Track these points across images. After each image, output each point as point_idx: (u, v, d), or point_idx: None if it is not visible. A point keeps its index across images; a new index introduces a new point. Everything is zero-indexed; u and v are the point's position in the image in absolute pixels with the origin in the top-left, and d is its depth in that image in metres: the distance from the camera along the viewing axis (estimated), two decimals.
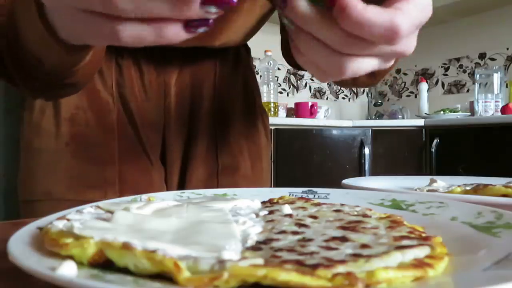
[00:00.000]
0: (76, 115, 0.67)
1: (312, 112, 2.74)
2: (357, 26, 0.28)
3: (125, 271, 0.22)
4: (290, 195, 0.47)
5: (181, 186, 0.72)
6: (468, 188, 0.56)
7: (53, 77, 0.48)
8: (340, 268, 0.21)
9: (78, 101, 0.67)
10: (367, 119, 3.55)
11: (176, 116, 0.71)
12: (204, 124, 0.73)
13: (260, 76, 2.77)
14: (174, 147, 0.72)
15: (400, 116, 3.22)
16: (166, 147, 0.72)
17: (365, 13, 0.28)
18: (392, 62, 0.36)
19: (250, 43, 0.81)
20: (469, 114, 2.78)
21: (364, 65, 0.32)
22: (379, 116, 3.48)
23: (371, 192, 0.47)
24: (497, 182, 0.59)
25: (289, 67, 3.26)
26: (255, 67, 2.79)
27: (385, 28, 0.28)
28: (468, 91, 3.11)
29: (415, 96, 3.40)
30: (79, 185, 0.65)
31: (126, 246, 0.22)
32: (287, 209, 0.36)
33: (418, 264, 0.23)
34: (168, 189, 0.72)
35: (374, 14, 0.28)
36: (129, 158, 0.68)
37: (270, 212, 0.36)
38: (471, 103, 2.81)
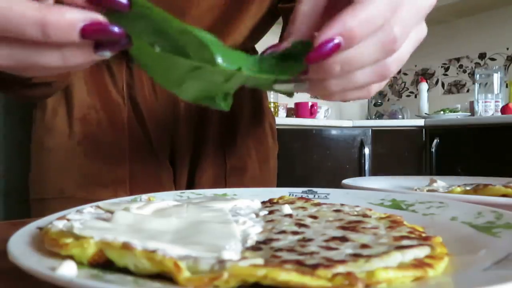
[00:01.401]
0: (88, 115, 0.68)
1: (312, 112, 2.74)
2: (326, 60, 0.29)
3: (125, 271, 0.22)
4: (290, 195, 0.47)
5: (190, 186, 0.73)
6: (468, 188, 0.56)
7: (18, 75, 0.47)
8: (340, 268, 0.21)
9: (90, 101, 0.68)
10: (367, 119, 3.55)
11: (185, 118, 0.72)
12: (212, 126, 0.74)
13: None
14: (183, 148, 0.72)
15: (400, 116, 3.22)
16: (175, 148, 0.72)
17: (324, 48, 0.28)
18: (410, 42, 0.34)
19: None
20: (469, 114, 2.78)
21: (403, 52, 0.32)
22: (379, 116, 3.48)
23: (371, 192, 0.47)
24: (497, 182, 0.59)
25: None
26: None
27: (334, 35, 0.28)
28: (468, 91, 3.11)
29: (415, 96, 3.40)
30: (91, 184, 0.66)
31: (126, 246, 0.22)
32: (287, 209, 0.36)
33: (418, 264, 0.23)
34: (177, 189, 0.72)
35: (326, 31, 0.28)
36: (139, 158, 0.69)
37: (270, 212, 0.36)
38: (471, 103, 2.81)
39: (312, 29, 0.33)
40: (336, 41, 0.28)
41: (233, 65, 0.28)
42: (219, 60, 0.27)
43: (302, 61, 0.29)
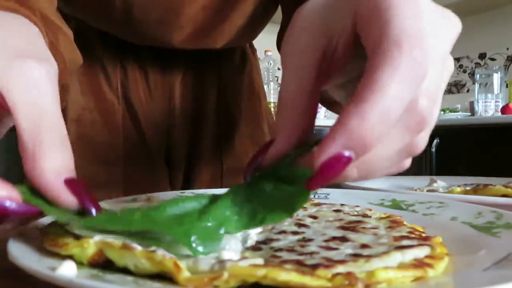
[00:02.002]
0: (83, 115, 0.67)
1: None
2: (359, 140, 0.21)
3: (125, 271, 0.22)
4: None
5: (186, 187, 0.73)
6: (468, 188, 0.56)
7: None
8: (340, 268, 0.21)
9: (84, 102, 0.68)
10: None
11: (180, 118, 0.72)
12: (208, 126, 0.73)
13: None
14: (178, 148, 0.72)
15: None
16: (170, 148, 0.72)
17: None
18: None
19: None
20: (469, 114, 2.78)
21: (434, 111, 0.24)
22: None
23: (371, 192, 0.47)
24: (497, 182, 0.59)
25: None
26: None
27: (339, 151, 0.21)
28: (468, 91, 3.11)
29: None
30: None
31: (126, 246, 0.22)
32: None
33: (418, 264, 0.23)
34: (172, 190, 0.72)
35: (326, 146, 0.21)
36: (134, 159, 0.69)
37: None
38: (471, 103, 2.82)
39: (306, 113, 0.26)
40: (344, 156, 0.21)
41: (219, 227, 0.24)
42: (195, 245, 0.23)
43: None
